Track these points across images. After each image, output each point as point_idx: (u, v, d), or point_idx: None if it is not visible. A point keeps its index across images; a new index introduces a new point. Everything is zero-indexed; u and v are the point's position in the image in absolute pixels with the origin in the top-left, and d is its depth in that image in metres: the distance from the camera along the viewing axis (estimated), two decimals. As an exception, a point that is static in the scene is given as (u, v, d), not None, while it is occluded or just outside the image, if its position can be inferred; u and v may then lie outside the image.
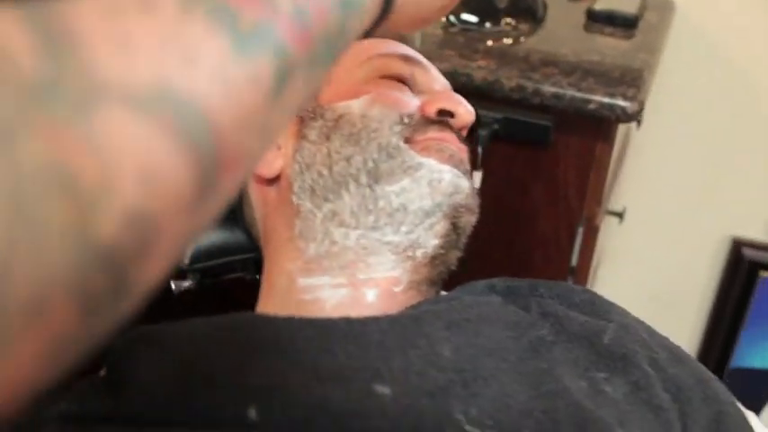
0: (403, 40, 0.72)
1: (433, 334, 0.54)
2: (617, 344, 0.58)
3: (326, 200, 0.60)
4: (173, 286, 0.79)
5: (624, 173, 1.44)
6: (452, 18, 1.16)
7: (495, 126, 1.06)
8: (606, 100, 0.97)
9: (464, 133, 0.68)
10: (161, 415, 0.48)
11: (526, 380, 0.53)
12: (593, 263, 1.24)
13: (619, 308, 0.65)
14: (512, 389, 0.52)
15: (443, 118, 0.64)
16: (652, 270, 1.69)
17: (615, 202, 1.38)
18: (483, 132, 1.05)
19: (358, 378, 0.49)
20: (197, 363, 0.51)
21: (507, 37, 1.13)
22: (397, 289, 0.60)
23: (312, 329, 0.53)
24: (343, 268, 0.59)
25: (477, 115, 1.08)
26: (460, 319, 0.56)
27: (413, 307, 0.58)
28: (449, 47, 1.11)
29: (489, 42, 1.12)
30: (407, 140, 0.61)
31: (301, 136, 0.64)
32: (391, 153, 0.60)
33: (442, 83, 0.70)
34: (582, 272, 1.20)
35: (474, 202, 0.64)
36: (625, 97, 0.97)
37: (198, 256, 0.79)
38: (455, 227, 0.61)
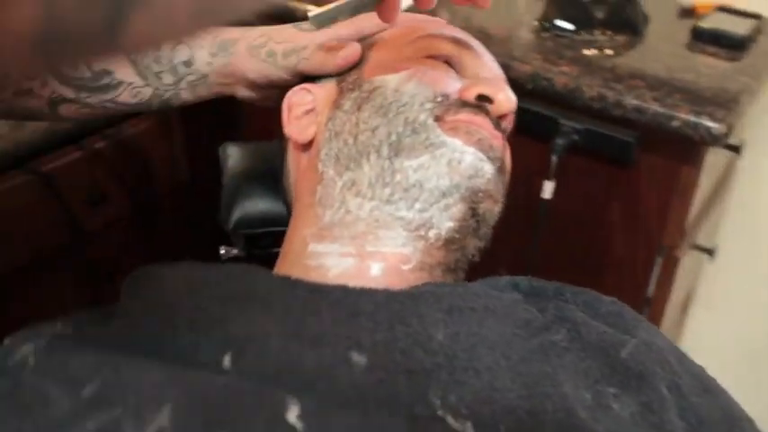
0: None
1: (428, 315, 0.51)
2: (635, 360, 0.54)
3: (348, 168, 0.59)
4: (222, 251, 0.80)
5: (722, 208, 1.35)
6: (546, 23, 1.13)
7: (575, 137, 1.02)
8: (691, 118, 0.90)
9: (506, 124, 0.64)
10: (143, 348, 0.48)
11: (522, 380, 0.49)
12: (672, 298, 1.16)
13: (649, 325, 0.60)
14: (503, 385, 0.48)
15: (481, 103, 0.61)
16: (750, 319, 1.57)
17: (706, 238, 1.29)
18: (561, 141, 1.01)
19: (338, 344, 0.48)
20: (186, 304, 0.51)
21: (600, 48, 1.08)
22: (405, 267, 0.57)
23: (305, 291, 0.52)
24: (353, 238, 0.58)
25: (556, 123, 1.04)
26: (464, 306, 0.53)
27: (416, 287, 0.55)
28: (536, 50, 1.07)
29: (579, 50, 1.07)
30: (438, 119, 0.59)
31: (337, 106, 0.63)
32: (416, 129, 0.58)
33: (493, 70, 0.67)
34: (658, 304, 1.13)
35: (497, 191, 0.60)
36: (712, 117, 0.90)
37: (243, 222, 0.79)
38: (473, 212, 0.58)
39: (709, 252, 1.25)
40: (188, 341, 0.49)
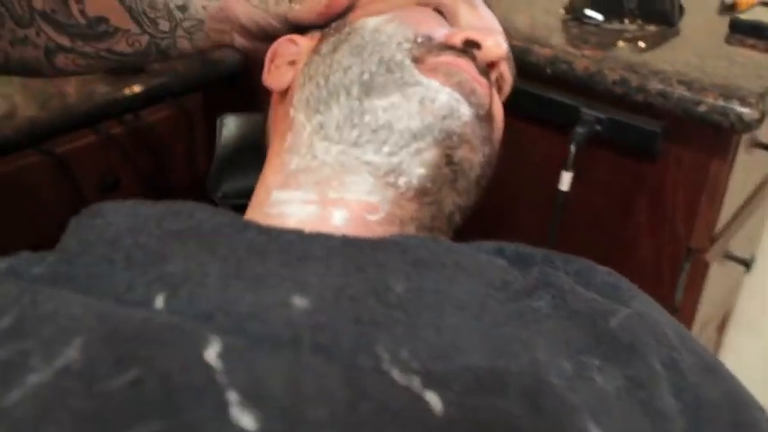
0: None
1: (388, 264, 0.46)
2: (625, 330, 0.48)
3: (317, 111, 0.55)
4: None
5: (763, 216, 1.27)
6: (573, 12, 1.07)
7: (597, 127, 0.96)
8: (720, 103, 0.84)
9: (496, 75, 0.59)
10: (75, 284, 0.45)
11: (491, 343, 0.44)
12: (702, 309, 1.08)
13: (648, 298, 0.54)
14: (467, 345, 0.43)
15: (468, 48, 0.56)
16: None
17: (743, 248, 1.21)
18: (581, 130, 0.95)
19: (280, 286, 0.43)
20: (126, 241, 0.47)
21: (630, 39, 1.02)
22: (372, 217, 0.52)
23: (254, 233, 0.47)
24: (317, 184, 0.53)
25: (576, 110, 0.99)
26: (433, 261, 0.48)
27: (382, 237, 0.50)
28: (559, 36, 1.01)
29: (606, 38, 1.01)
30: (416, 60, 0.54)
31: (315, 51, 0.59)
32: (391, 68, 0.53)
33: (488, 22, 0.62)
34: (686, 312, 1.05)
35: (477, 138, 0.54)
36: (743, 102, 0.83)
37: (231, 193, 0.76)
38: (448, 159, 0.52)
39: (746, 264, 1.17)
40: (121, 279, 0.45)
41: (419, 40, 0.55)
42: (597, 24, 1.05)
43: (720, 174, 0.92)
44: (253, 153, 0.79)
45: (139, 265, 0.45)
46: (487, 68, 0.57)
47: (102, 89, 1.29)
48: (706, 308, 1.10)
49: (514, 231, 1.09)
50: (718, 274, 1.08)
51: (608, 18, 1.06)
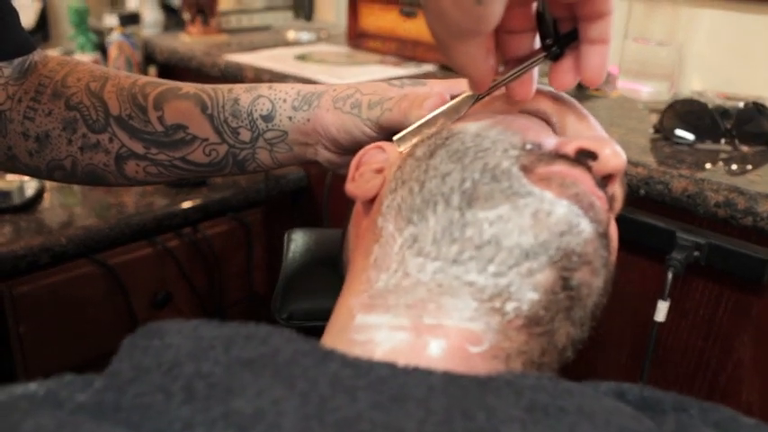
0: None
1: (500, 410, 0.37)
2: None
3: (410, 222, 0.47)
4: None
5: None
6: (663, 132, 1.01)
7: (696, 253, 0.87)
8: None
9: (612, 189, 0.51)
10: (124, 418, 0.37)
11: None
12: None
13: None
14: None
15: (582, 159, 0.49)
16: None
17: None
18: (678, 256, 0.86)
19: None
20: (185, 367, 0.39)
21: (726, 159, 0.95)
22: (474, 349, 0.43)
23: (339, 364, 0.39)
24: (409, 308, 0.45)
25: (673, 236, 0.90)
26: (551, 404, 0.39)
27: (488, 374, 0.41)
28: (649, 154, 0.94)
29: (700, 158, 0.94)
30: (525, 169, 0.47)
31: (409, 154, 0.52)
32: (497, 176, 0.46)
33: (598, 132, 0.56)
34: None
35: (597, 258, 0.46)
36: None
37: (296, 314, 0.69)
38: (565, 283, 0.44)
39: None
40: (178, 415, 0.37)
41: (528, 147, 0.48)
42: (689, 145, 0.98)
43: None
44: (323, 271, 0.73)
45: (201, 400, 0.37)
46: (604, 181, 0.50)
47: (161, 201, 1.25)
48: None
49: (604, 365, 0.99)
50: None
51: (700, 138, 0.99)
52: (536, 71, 0.51)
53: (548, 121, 0.55)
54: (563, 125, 0.55)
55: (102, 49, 1.74)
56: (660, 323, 0.87)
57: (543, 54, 0.50)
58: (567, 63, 0.50)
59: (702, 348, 0.92)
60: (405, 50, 1.54)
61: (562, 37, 0.49)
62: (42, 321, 1.13)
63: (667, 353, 0.91)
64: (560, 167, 0.48)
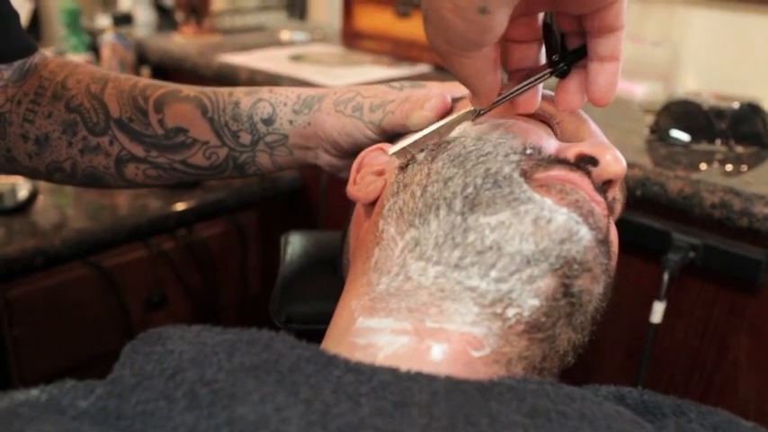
0: None
1: (503, 415, 0.37)
2: None
3: (411, 225, 0.48)
4: None
5: None
6: (659, 133, 1.01)
7: (692, 254, 0.87)
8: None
9: (612, 195, 0.51)
10: (126, 425, 0.38)
11: None
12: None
13: None
14: None
15: (582, 164, 0.49)
16: None
17: None
18: (674, 257, 0.86)
19: None
20: (188, 373, 0.39)
21: (722, 160, 0.95)
22: (476, 354, 0.43)
23: (342, 370, 0.39)
24: (411, 311, 0.45)
25: (669, 237, 0.90)
26: (553, 409, 0.39)
27: (490, 379, 0.41)
28: (645, 155, 0.94)
29: (696, 159, 0.94)
30: (525, 175, 0.47)
31: (411, 158, 0.52)
32: (498, 182, 0.46)
33: (599, 136, 0.56)
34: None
35: (597, 265, 0.46)
36: None
37: (294, 318, 0.69)
38: (566, 290, 0.44)
39: None
40: (182, 421, 0.36)
41: (528, 151, 0.48)
42: (684, 145, 0.99)
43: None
44: (320, 274, 0.72)
45: (205, 406, 0.37)
46: (604, 186, 0.50)
47: (156, 203, 1.25)
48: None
49: (601, 365, 0.99)
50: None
51: (695, 139, 0.99)
52: (541, 84, 0.50)
53: (548, 123, 0.54)
54: (564, 127, 0.55)
55: (94, 49, 1.73)
56: (656, 324, 0.87)
57: (549, 71, 0.47)
58: (574, 82, 0.48)
59: (698, 348, 0.92)
60: (399, 51, 1.54)
61: (570, 53, 0.47)
62: (37, 324, 1.12)
63: (663, 353, 0.91)
64: (560, 172, 0.48)
